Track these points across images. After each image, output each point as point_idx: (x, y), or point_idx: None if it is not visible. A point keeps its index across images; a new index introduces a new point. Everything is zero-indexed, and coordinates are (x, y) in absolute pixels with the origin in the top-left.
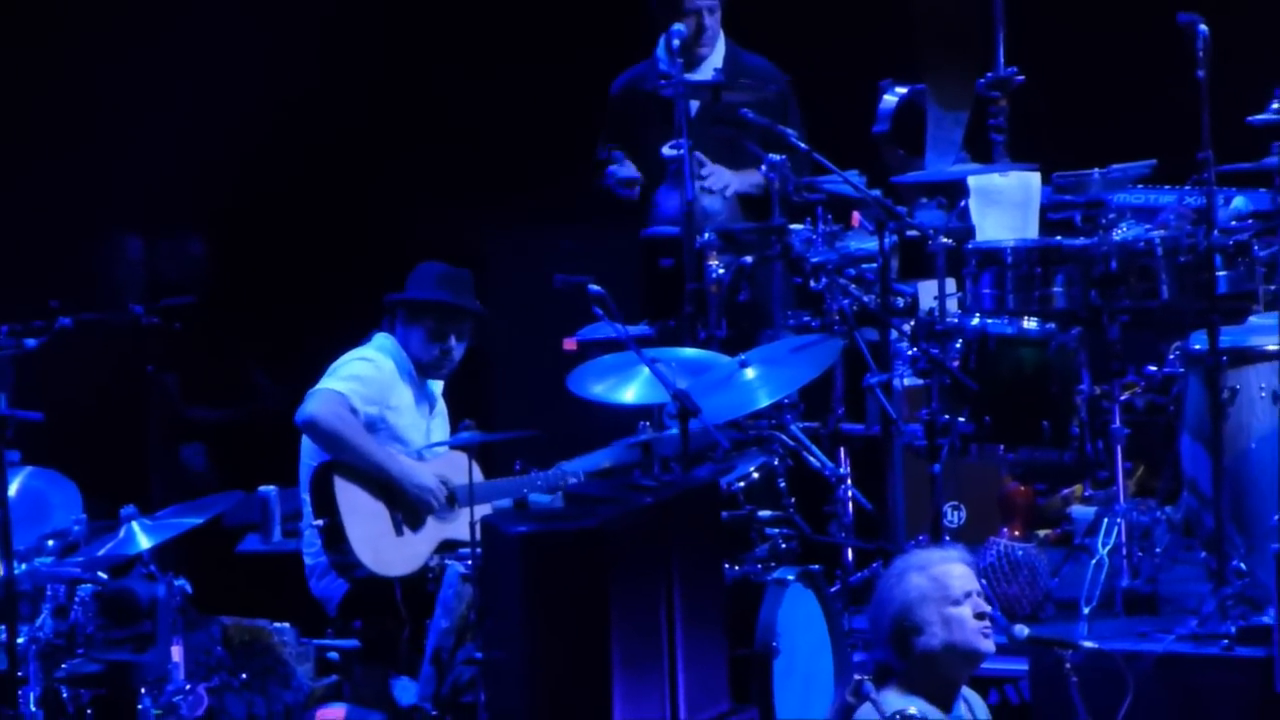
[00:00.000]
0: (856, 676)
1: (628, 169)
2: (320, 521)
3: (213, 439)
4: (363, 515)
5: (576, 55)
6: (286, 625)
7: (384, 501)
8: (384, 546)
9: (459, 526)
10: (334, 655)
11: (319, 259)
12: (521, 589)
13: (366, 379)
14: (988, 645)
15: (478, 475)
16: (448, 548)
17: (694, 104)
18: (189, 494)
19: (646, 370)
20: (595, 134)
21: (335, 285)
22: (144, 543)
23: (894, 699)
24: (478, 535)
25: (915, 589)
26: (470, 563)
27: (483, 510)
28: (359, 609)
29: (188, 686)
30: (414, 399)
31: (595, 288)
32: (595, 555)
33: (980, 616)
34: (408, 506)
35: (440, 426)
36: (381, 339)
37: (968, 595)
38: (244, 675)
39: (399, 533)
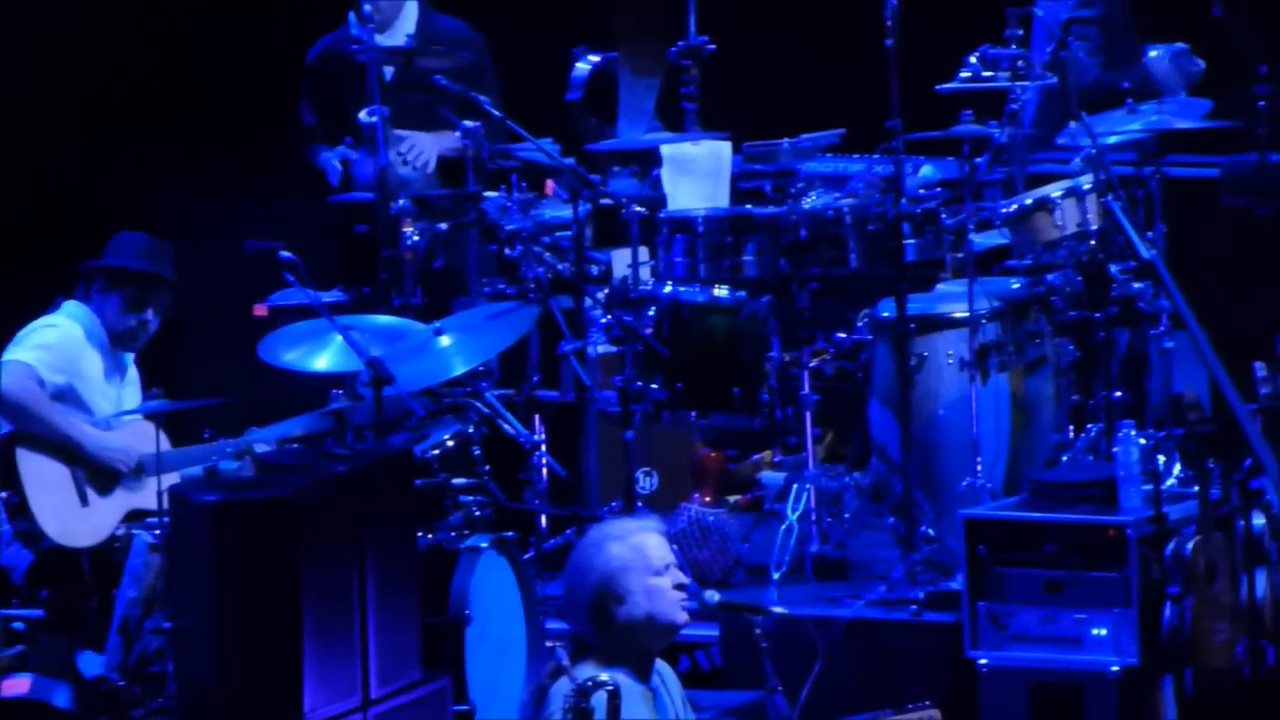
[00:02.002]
0: (550, 644)
1: (337, 164)
2: (3, 495)
3: None
4: (47, 487)
5: (267, 19)
6: None
7: (70, 472)
8: (70, 518)
9: (147, 496)
10: (19, 625)
11: (2, 228)
12: (211, 558)
13: (54, 347)
14: (685, 617)
15: (166, 444)
16: (136, 517)
17: (389, 69)
18: None
19: (340, 337)
20: (287, 99)
21: (20, 254)
22: None
23: (591, 671)
24: (166, 504)
25: (617, 558)
26: (159, 532)
27: (172, 479)
28: (45, 579)
29: None
30: (105, 368)
31: (287, 254)
32: (286, 524)
33: (679, 588)
34: (95, 476)
35: (132, 396)
36: (71, 306)
37: (667, 566)
38: None
39: (85, 503)
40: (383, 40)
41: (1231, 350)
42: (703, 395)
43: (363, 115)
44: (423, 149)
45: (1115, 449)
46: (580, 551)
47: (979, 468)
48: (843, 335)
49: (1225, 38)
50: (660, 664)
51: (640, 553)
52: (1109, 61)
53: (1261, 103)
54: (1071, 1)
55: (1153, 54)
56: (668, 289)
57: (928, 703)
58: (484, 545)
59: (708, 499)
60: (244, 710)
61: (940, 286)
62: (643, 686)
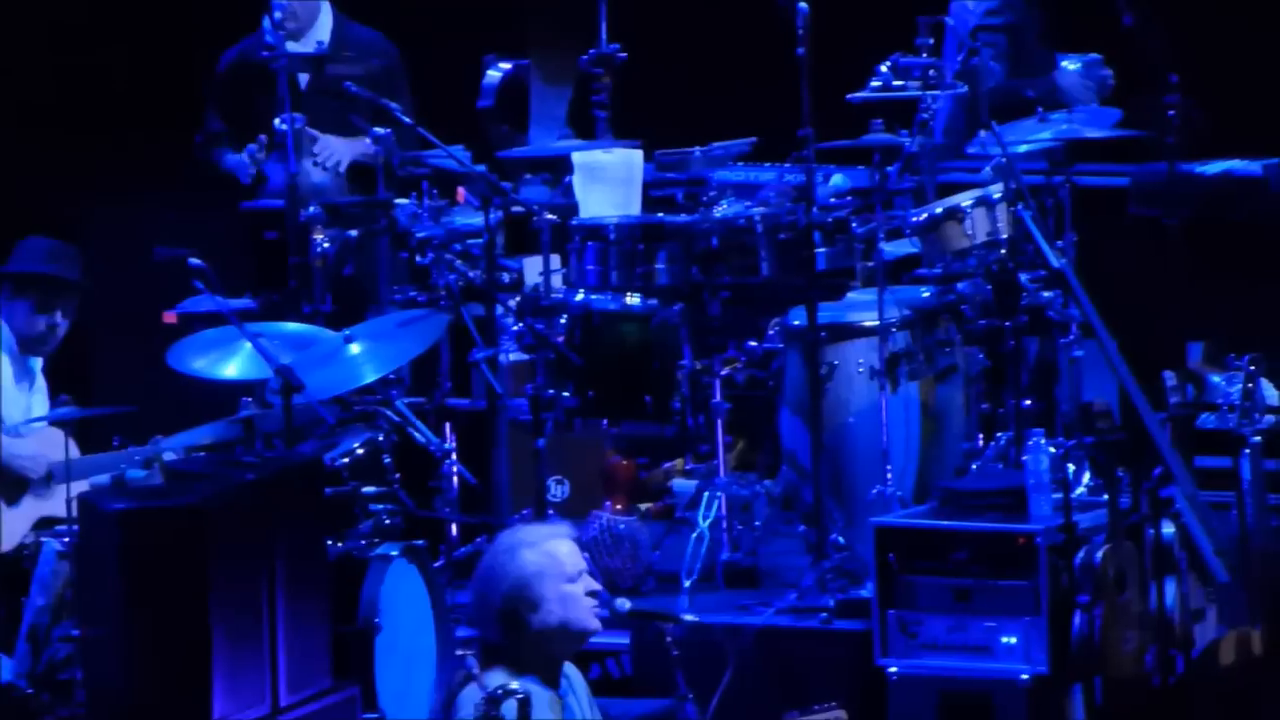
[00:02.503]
0: (460, 652)
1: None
2: None
3: None
4: None
5: (178, 24)
6: None
7: None
8: None
9: (56, 503)
10: None
11: None
12: (120, 566)
13: None
14: (597, 624)
15: (75, 451)
16: (45, 525)
17: (303, 76)
18: None
19: (249, 345)
20: (197, 105)
21: None
22: None
23: (501, 679)
24: (75, 512)
25: (531, 565)
26: (68, 540)
27: (80, 487)
28: None
29: None
30: (14, 374)
31: (196, 261)
32: (195, 532)
33: (591, 594)
34: (4, 484)
35: (40, 403)
36: None
37: (580, 573)
38: None
39: None
40: (296, 47)
41: (1141, 359)
42: (614, 403)
43: (278, 124)
44: (334, 150)
45: (1025, 457)
46: (492, 558)
47: (889, 476)
48: (754, 343)
49: (1136, 48)
50: (569, 668)
51: (553, 559)
52: (1015, 69)
53: (1171, 112)
54: (982, 9)
55: (1065, 64)
56: (579, 297)
57: (834, 703)
58: (394, 553)
59: (619, 507)
60: (153, 718)
61: (851, 295)
62: (551, 693)
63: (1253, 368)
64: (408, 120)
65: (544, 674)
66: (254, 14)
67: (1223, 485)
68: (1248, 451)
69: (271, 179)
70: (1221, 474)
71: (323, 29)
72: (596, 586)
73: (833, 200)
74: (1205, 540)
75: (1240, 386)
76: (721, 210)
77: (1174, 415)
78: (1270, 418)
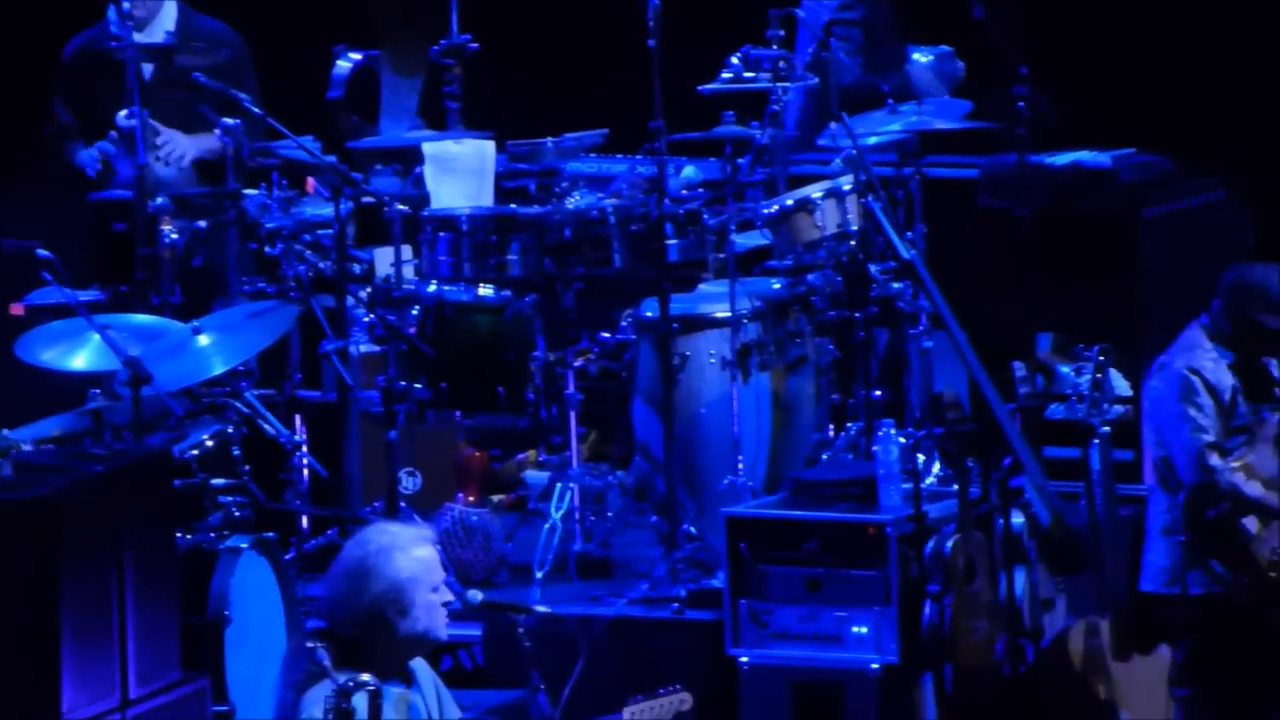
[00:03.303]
0: (310, 645)
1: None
2: None
3: None
4: None
5: (22, 14)
6: None
7: None
8: None
9: None
10: None
11: None
12: None
13: None
14: (445, 635)
15: None
16: None
17: (149, 67)
18: None
19: (97, 336)
20: (44, 96)
21: None
22: None
23: (350, 674)
24: None
25: (405, 571)
26: None
27: None
28: None
29: None
30: None
31: (44, 252)
32: (44, 525)
33: (445, 604)
34: None
35: None
36: None
37: (441, 582)
38: None
39: None
40: (141, 38)
41: (990, 350)
42: (467, 395)
43: (122, 117)
44: (178, 145)
45: (875, 448)
46: (361, 556)
47: (740, 466)
48: (607, 335)
49: (985, 40)
50: (416, 662)
51: (426, 567)
52: (870, 64)
53: (1021, 104)
54: (833, 3)
55: (915, 56)
56: (432, 288)
57: (678, 686)
58: (244, 546)
59: (471, 499)
60: (1, 711)
61: (702, 287)
62: (400, 690)
63: (1101, 358)
64: (257, 111)
65: (394, 672)
66: (100, 3)
67: (1072, 476)
68: (1097, 442)
69: (119, 171)
70: (1070, 464)
71: (168, 19)
72: (450, 597)
73: (684, 192)
74: (1045, 513)
75: (1089, 377)
76: (574, 202)
77: (1023, 406)
78: (1119, 408)
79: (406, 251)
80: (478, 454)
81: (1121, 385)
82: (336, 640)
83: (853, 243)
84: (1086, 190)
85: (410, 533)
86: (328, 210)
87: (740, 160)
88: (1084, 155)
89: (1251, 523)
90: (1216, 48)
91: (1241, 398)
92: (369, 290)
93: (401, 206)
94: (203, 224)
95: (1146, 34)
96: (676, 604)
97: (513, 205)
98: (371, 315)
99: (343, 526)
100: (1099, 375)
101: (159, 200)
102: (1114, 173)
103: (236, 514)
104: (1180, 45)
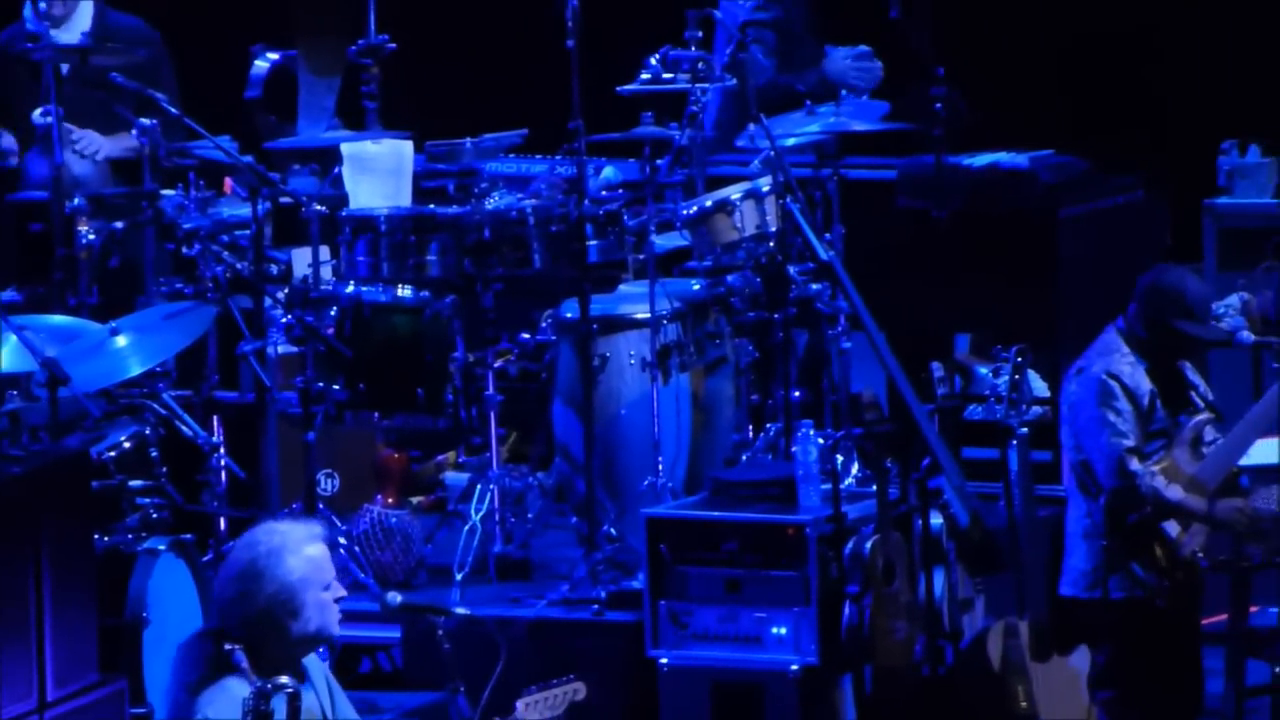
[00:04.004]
0: (227, 647)
1: (7, 140)
2: None
3: None
4: None
5: None
6: None
7: None
8: None
9: None
10: None
11: None
12: None
13: None
14: (338, 630)
15: None
16: None
17: (65, 66)
18: None
19: (14, 337)
20: None
21: None
22: None
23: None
24: None
25: (296, 572)
26: None
27: None
28: None
29: None
30: None
31: None
32: None
33: (338, 600)
34: None
35: None
36: None
37: (332, 580)
38: None
39: None
40: (58, 37)
41: (908, 351)
42: (386, 396)
43: (37, 115)
44: (94, 142)
45: (794, 448)
46: (251, 559)
47: (660, 467)
48: (527, 336)
49: (902, 40)
50: (309, 659)
51: (316, 566)
52: (785, 64)
53: (938, 105)
54: (749, 4)
55: (833, 56)
56: (350, 289)
57: (572, 675)
58: (162, 548)
59: (390, 500)
60: None
61: (622, 287)
62: (303, 686)
63: (1020, 359)
64: (174, 111)
65: (288, 670)
66: (16, 1)
67: (990, 476)
68: (1015, 443)
69: (34, 171)
70: (989, 465)
71: (84, 17)
72: (344, 593)
73: (604, 193)
74: (964, 514)
75: (1007, 378)
76: (493, 202)
77: (941, 406)
78: (1037, 409)
79: (324, 252)
80: (396, 455)
81: (1039, 386)
82: (230, 640)
83: (771, 244)
84: (1004, 191)
85: (299, 531)
86: (245, 210)
87: (659, 161)
88: (1002, 156)
89: (1172, 526)
90: (1133, 48)
91: (1160, 402)
92: (286, 291)
93: (319, 207)
94: (120, 224)
95: (1063, 34)
96: (596, 605)
97: (431, 205)
98: (289, 316)
99: None
100: (1017, 376)
101: (76, 201)
102: (1031, 173)
103: (154, 515)
104: (1097, 46)
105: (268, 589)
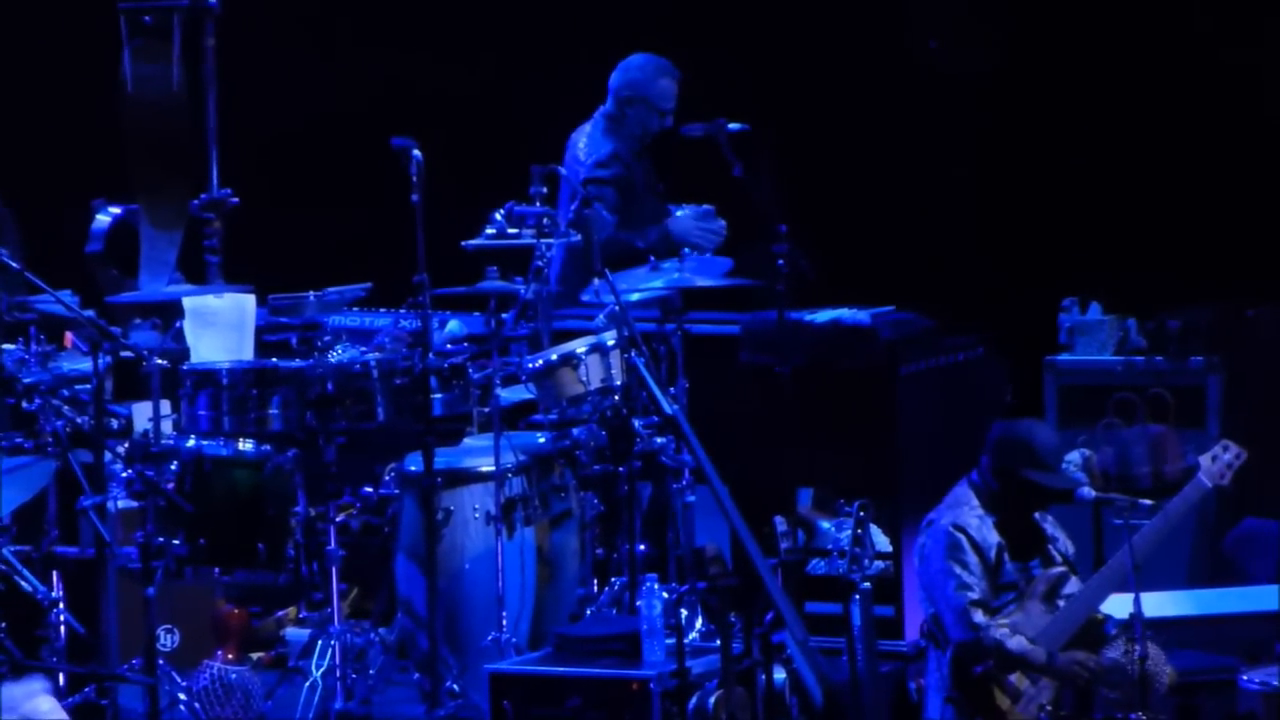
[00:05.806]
0: None
1: None
2: None
3: None
4: None
5: None
6: None
7: None
8: None
9: None
10: None
11: None
12: None
13: None
14: None
15: None
16: None
17: None
18: None
19: None
20: None
21: None
22: None
23: None
24: None
25: None
26: None
27: None
28: None
29: None
30: None
31: None
32: None
33: None
34: None
35: None
36: None
37: None
38: None
39: None
40: None
41: (752, 505)
42: (226, 551)
43: None
44: None
45: (639, 603)
46: None
47: (504, 622)
48: (370, 489)
49: (746, 198)
50: None
51: None
52: (626, 221)
53: (780, 261)
54: (590, 161)
55: (678, 213)
56: (191, 443)
57: None
58: None
59: (231, 656)
60: None
61: (467, 440)
62: None
63: (862, 514)
64: (15, 265)
65: None
66: None
67: (833, 631)
68: (858, 597)
69: None
70: (832, 620)
71: None
72: None
73: (449, 346)
74: (808, 668)
75: (850, 532)
76: (336, 355)
77: (785, 561)
78: (880, 563)
79: (165, 406)
80: (237, 611)
81: (882, 540)
82: None
83: (616, 397)
84: (846, 347)
85: (17, 691)
86: (86, 365)
87: (505, 315)
88: (844, 312)
89: (1017, 679)
90: (976, 206)
91: (1007, 555)
92: (127, 445)
93: (160, 361)
94: None
95: (906, 192)
96: None
97: (274, 359)
98: (130, 471)
99: (100, 684)
100: (859, 530)
101: None
102: (873, 330)
103: None
104: (939, 204)
105: None
